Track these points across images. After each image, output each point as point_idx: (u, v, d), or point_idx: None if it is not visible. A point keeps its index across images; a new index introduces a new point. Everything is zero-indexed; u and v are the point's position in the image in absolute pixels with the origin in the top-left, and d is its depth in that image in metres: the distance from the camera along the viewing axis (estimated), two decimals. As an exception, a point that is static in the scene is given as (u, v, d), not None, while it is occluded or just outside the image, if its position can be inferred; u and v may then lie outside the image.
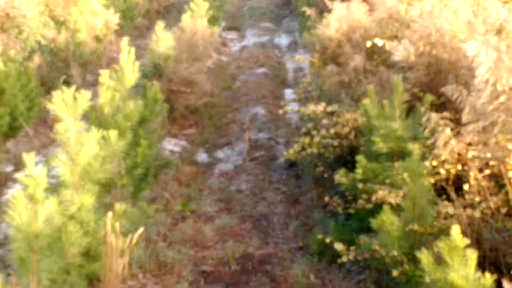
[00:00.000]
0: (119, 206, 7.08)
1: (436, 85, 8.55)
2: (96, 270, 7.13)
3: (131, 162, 8.98)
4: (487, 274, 4.69)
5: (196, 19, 17.55)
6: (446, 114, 7.28)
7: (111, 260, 6.85)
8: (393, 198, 6.76)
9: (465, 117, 6.67)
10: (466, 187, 7.00)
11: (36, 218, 5.83)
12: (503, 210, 6.59)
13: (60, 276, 6.23)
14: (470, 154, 7.01)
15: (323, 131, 9.48)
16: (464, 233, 6.01)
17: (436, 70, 8.72)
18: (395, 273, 6.18)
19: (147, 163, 9.33)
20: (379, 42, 8.99)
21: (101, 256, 6.89)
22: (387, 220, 6.04)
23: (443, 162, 7.27)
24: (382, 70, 9.55)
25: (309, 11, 14.81)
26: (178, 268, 8.45)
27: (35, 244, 5.83)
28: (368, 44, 9.80)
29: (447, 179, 7.30)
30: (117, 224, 6.79)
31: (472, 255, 4.67)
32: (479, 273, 4.72)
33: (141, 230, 7.16)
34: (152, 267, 8.39)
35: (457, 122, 7.43)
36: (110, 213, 6.76)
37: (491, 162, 6.97)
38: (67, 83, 14.71)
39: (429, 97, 7.93)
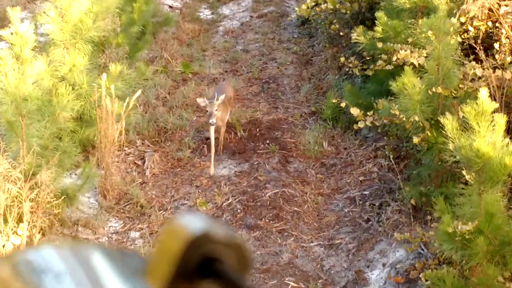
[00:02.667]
0: (114, 67, 7.06)
1: None
2: (90, 136, 7.21)
3: (126, 18, 8.89)
4: (516, 141, 4.72)
5: None
6: (477, -36, 7.12)
7: (107, 125, 6.90)
8: (416, 58, 6.70)
9: (498, -32, 6.53)
10: (496, 46, 6.93)
11: (24, 80, 5.84)
12: (537, 71, 6.55)
13: (51, 142, 6.29)
14: (503, 9, 6.90)
15: (339, -16, 9.31)
16: (492, 97, 6.02)
17: None
18: (415, 139, 6.21)
19: (145, 20, 9.25)
20: None
21: (96, 121, 6.94)
22: (409, 82, 6.01)
23: (472, 18, 7.17)
24: None
25: None
26: (179, 134, 8.52)
27: (24, 107, 5.85)
28: None
29: (475, 38, 7.23)
30: (112, 87, 6.79)
31: (501, 120, 4.67)
32: (507, 139, 4.74)
33: (138, 93, 7.17)
34: (151, 134, 8.46)
35: (489, -26, 7.28)
36: (104, 75, 6.75)
37: (526, 19, 6.88)
38: None
39: None
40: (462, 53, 6.92)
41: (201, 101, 7.53)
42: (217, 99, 7.50)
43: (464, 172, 4.92)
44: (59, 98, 6.38)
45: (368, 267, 6.25)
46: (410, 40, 7.24)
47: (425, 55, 6.62)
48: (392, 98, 6.41)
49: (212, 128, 7.71)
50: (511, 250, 4.76)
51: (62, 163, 6.34)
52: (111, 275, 0.79)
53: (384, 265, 6.14)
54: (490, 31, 7.24)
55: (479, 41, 7.12)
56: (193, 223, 0.79)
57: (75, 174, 6.97)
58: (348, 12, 9.26)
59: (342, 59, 8.47)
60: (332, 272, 6.31)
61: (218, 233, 0.78)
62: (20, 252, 0.82)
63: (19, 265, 0.79)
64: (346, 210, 7.14)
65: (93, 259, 0.81)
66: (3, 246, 5.53)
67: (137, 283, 0.79)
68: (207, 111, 7.61)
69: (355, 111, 6.95)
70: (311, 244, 6.69)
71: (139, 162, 7.95)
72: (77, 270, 0.79)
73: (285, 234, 6.77)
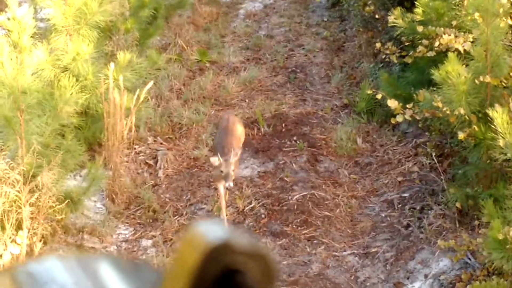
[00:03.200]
0: (122, 56, 7.09)
1: None
2: (96, 133, 7.24)
3: (136, 1, 8.92)
4: None
5: None
6: None
7: (114, 121, 6.92)
8: (461, 43, 6.69)
9: None
10: (553, 29, 6.90)
11: (23, 70, 5.87)
12: None
13: (53, 140, 6.33)
14: (560, -13, 6.86)
15: (374, -40, 9.30)
16: (548, 87, 5.98)
17: None
18: (461, 135, 6.19)
19: (156, 3, 9.27)
20: None
21: (102, 116, 6.97)
22: (453, 70, 5.99)
23: (525, -2, 7.14)
24: None
25: None
26: (195, 130, 8.53)
27: (23, 101, 5.89)
28: None
29: (529, 20, 7.19)
30: (121, 78, 6.82)
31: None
32: None
33: (150, 85, 7.19)
34: (164, 130, 8.48)
35: None
36: (112, 64, 6.78)
37: None
38: None
39: None
40: (513, 37, 6.89)
41: (215, 161, 6.62)
42: (235, 154, 6.71)
43: (516, 172, 4.91)
44: (62, 90, 6.41)
45: (408, 278, 6.25)
46: (454, 23, 7.21)
47: (471, 40, 6.60)
48: (435, 88, 6.39)
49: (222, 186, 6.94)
50: None
51: (65, 163, 6.37)
52: None
53: (426, 276, 6.14)
54: (546, 12, 7.20)
55: (533, 24, 7.08)
56: (212, 231, 0.79)
57: (80, 176, 7.01)
58: (384, -9, 9.25)
59: (378, 45, 8.44)
60: (368, 284, 6.32)
61: (240, 242, 0.78)
62: (21, 263, 0.83)
63: (20, 277, 0.81)
64: (383, 215, 7.13)
65: (101, 270, 0.82)
66: (1, 256, 5.57)
67: None
68: (221, 171, 6.65)
69: (392, 103, 6.93)
70: (344, 253, 6.69)
71: (151, 162, 7.98)
72: (84, 282, 0.80)
73: (315, 241, 6.77)
